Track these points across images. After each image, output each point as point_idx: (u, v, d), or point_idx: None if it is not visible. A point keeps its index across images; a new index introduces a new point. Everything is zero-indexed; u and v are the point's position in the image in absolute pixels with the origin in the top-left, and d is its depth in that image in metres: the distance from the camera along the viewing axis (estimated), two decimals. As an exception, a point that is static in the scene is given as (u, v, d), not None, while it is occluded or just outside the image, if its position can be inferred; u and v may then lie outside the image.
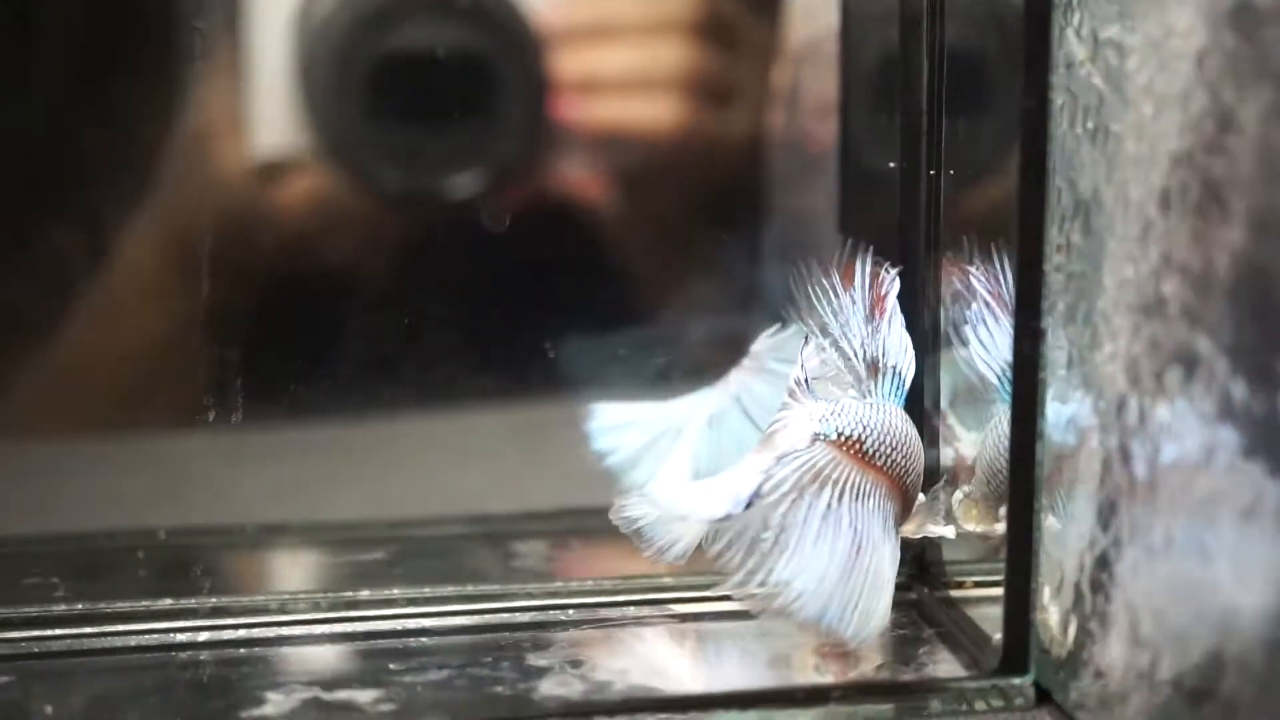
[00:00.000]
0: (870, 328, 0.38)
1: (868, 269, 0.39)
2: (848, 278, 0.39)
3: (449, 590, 0.43)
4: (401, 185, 0.49)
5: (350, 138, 0.48)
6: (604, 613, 0.42)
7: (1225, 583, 0.30)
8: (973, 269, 0.39)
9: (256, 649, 0.41)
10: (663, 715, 0.36)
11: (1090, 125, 0.36)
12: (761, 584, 0.35)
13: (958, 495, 0.40)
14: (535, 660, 0.39)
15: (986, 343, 0.38)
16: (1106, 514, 0.35)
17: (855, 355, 0.38)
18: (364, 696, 0.37)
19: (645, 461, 0.44)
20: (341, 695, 0.37)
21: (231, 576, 0.47)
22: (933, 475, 0.41)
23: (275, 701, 0.37)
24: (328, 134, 0.48)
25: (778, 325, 0.43)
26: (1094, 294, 0.35)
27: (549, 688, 0.37)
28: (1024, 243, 0.36)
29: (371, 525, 0.49)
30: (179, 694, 0.38)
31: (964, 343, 0.39)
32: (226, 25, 0.48)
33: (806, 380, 0.37)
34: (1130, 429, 0.34)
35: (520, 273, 0.50)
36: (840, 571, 0.35)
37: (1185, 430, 0.32)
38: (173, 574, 0.45)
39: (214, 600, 0.43)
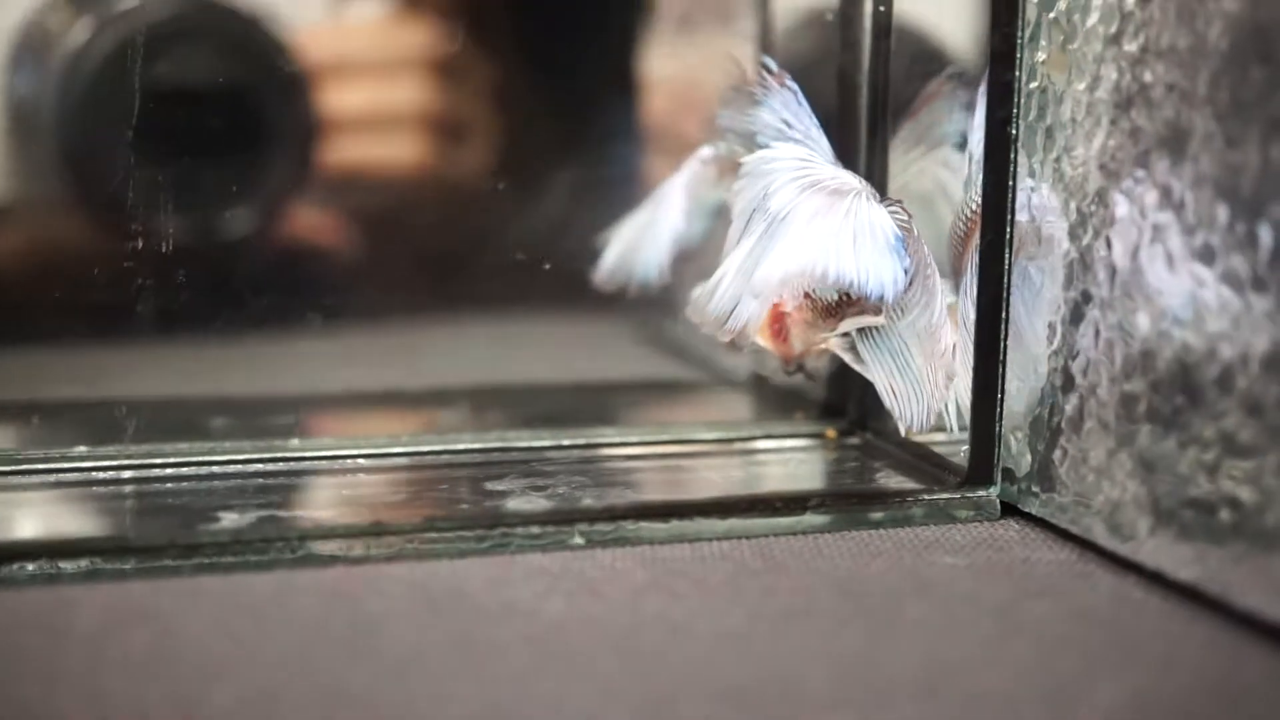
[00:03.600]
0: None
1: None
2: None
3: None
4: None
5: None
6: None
7: (1208, 364, 0.31)
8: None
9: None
10: (644, 522, 0.36)
11: (1056, -58, 0.37)
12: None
13: None
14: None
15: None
16: (1081, 309, 0.36)
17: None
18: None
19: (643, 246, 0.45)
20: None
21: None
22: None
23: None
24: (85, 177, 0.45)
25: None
26: (1060, 103, 0.36)
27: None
28: (995, 59, 0.37)
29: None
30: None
31: None
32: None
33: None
34: (1107, 221, 0.35)
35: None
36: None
37: (1174, 207, 0.33)
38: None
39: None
